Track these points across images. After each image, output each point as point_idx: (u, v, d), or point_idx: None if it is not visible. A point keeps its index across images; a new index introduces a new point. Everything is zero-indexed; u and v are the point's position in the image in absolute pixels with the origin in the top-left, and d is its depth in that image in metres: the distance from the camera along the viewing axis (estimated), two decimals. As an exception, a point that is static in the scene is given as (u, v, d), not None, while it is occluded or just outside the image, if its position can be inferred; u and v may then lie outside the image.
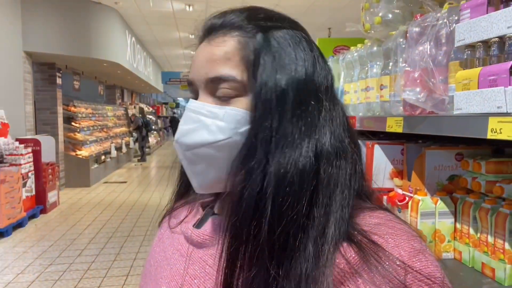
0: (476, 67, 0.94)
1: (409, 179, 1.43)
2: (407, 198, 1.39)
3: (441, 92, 1.11)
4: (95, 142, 10.71)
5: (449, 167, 1.36)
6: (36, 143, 6.83)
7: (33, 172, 6.57)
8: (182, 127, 0.59)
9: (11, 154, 6.06)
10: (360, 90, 1.71)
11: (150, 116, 17.36)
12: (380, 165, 1.59)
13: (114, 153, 11.77)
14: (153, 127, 18.19)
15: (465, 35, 0.97)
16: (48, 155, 7.17)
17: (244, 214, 0.53)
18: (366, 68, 1.67)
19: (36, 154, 6.72)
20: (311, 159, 0.54)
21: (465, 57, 1.00)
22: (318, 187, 0.54)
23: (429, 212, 1.29)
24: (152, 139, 17.48)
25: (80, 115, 10.40)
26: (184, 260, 0.64)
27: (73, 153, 9.38)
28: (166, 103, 30.68)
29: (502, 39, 0.87)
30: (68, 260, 4.69)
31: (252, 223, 0.52)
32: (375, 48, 1.59)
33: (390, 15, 1.47)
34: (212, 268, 0.59)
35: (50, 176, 7.09)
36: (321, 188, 0.54)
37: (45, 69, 8.53)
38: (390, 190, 1.57)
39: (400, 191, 1.47)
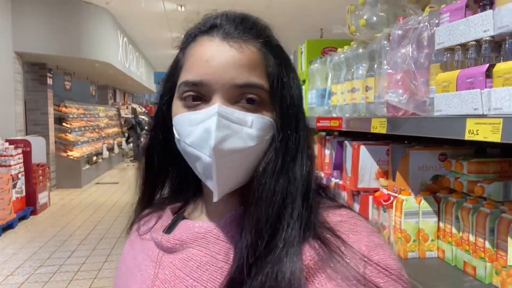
0: (455, 70, 0.96)
1: (394, 179, 1.45)
2: (392, 198, 1.41)
3: (423, 94, 1.13)
4: (86, 143, 10.64)
5: (432, 167, 1.38)
6: (26, 144, 6.78)
7: (23, 173, 6.52)
8: (217, 134, 0.56)
9: (0, 155, 6.00)
10: (346, 91, 1.73)
11: (143, 116, 17.28)
12: (366, 165, 1.61)
13: (106, 154, 11.69)
14: (146, 127, 18.10)
15: (444, 38, 0.99)
16: (39, 156, 7.11)
17: (270, 215, 0.58)
18: (352, 70, 1.69)
19: (26, 155, 6.67)
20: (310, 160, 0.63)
21: (445, 60, 1.02)
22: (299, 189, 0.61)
23: (413, 211, 1.31)
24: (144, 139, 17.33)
25: (71, 116, 10.33)
26: (154, 265, 0.65)
27: (64, 154, 9.31)
28: (159, 104, 30.47)
29: (479, 42, 0.89)
30: (58, 261, 4.66)
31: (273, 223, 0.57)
32: (360, 50, 1.61)
33: (374, 18, 1.49)
34: (182, 272, 0.61)
35: (41, 177, 7.03)
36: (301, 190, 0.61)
37: (36, 70, 8.45)
38: (376, 190, 1.59)
39: (385, 191, 1.48)
